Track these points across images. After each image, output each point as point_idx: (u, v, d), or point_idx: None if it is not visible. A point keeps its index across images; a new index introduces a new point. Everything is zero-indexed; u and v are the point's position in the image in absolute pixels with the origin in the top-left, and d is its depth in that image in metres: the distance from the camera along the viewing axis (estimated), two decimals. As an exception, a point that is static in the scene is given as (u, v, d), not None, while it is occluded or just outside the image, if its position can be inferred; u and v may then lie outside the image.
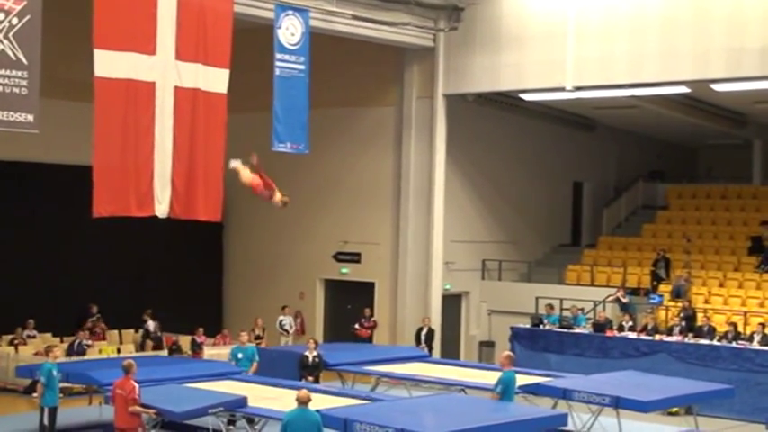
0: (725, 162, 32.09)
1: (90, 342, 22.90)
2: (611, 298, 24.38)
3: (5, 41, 16.07)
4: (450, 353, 25.52)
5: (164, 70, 18.31)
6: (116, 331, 24.73)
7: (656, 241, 27.77)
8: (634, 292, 25.26)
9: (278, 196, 16.99)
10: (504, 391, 15.25)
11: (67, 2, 19.35)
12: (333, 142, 26.02)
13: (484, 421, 13.93)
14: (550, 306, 24.32)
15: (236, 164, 16.85)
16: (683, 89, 23.19)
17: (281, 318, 25.80)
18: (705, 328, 22.04)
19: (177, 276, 26.99)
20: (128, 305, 24.89)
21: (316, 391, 15.67)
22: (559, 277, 26.81)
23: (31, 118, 16.39)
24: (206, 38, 18.91)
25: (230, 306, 28.89)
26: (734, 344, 21.23)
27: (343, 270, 26.75)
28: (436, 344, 24.34)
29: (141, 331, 24.60)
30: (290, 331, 25.93)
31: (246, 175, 16.83)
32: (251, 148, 24.34)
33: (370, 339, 25.12)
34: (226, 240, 28.95)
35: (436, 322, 24.72)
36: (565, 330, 23.49)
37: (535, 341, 23.66)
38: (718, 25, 21.03)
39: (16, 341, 22.79)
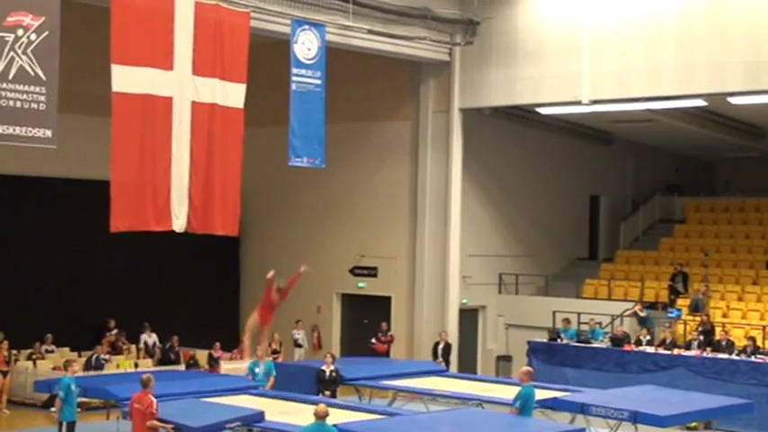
0: (742, 175, 31.95)
1: (108, 357, 22.95)
2: (628, 312, 24.29)
3: (24, 57, 16.18)
4: (468, 367, 25.46)
5: (181, 85, 18.40)
6: (134, 346, 24.76)
7: (674, 255, 27.66)
8: (652, 306, 25.15)
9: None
10: (523, 406, 15.22)
11: (85, 17, 19.47)
12: (349, 156, 26.05)
13: (502, 436, 13.92)
14: (567, 320, 24.22)
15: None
16: (700, 102, 23.16)
17: (295, 332, 25.88)
18: (724, 343, 21.92)
19: (194, 291, 27.02)
20: (145, 320, 24.91)
21: (333, 405, 15.64)
22: (577, 291, 26.72)
23: (49, 133, 16.48)
24: (223, 53, 19.01)
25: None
26: (753, 358, 21.09)
27: (360, 284, 26.74)
28: (453, 358, 24.29)
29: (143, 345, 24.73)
30: (304, 345, 25.98)
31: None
32: (268, 161, 24.67)
33: (387, 354, 25.09)
34: (243, 255, 28.97)
35: (453, 336, 24.68)
36: (582, 345, 23.40)
37: (553, 355, 23.57)
38: (734, 38, 21.00)
39: (34, 356, 22.83)
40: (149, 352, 24.43)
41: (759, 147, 28.63)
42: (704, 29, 21.42)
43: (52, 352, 23.38)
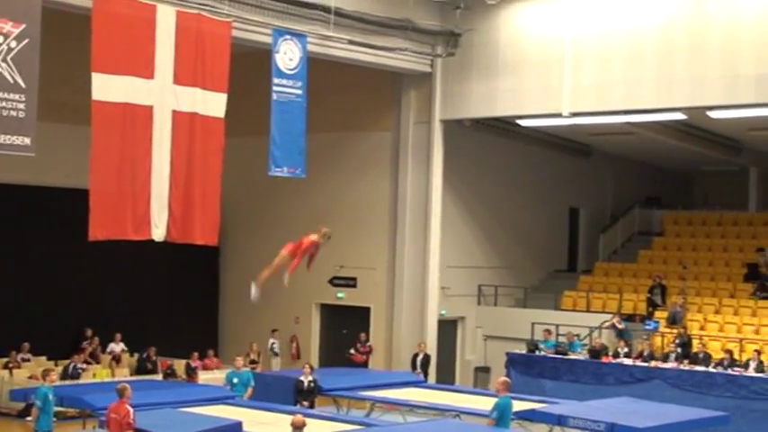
0: (721, 189, 32.13)
1: (85, 366, 22.85)
2: (606, 324, 24.35)
3: (3, 64, 16.15)
4: (446, 378, 25.46)
5: (161, 94, 18.38)
6: (109, 356, 24.65)
7: (652, 267, 27.76)
8: (630, 318, 25.21)
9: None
10: (500, 417, 15.22)
11: (66, 25, 19.42)
12: (330, 167, 26.05)
13: (479, 447, 13.92)
14: (548, 331, 24.28)
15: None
16: (680, 116, 23.27)
17: (272, 341, 25.89)
18: (701, 355, 22.02)
19: (173, 301, 26.93)
20: (123, 329, 24.82)
21: (311, 416, 15.63)
22: (555, 303, 26.77)
23: (27, 141, 16.44)
24: (204, 62, 19.01)
25: (226, 331, 28.82)
26: (729, 371, 21.21)
27: (339, 295, 26.72)
28: (432, 369, 24.29)
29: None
30: (279, 354, 26.00)
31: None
32: (248, 171, 24.63)
33: (365, 364, 25.08)
34: (222, 264, 28.90)
35: (432, 347, 24.68)
36: (560, 356, 23.45)
37: (530, 367, 23.60)
38: (714, 52, 21.13)
39: (11, 364, 22.72)
40: (115, 358, 24.28)
41: (737, 160, 28.80)
42: (684, 43, 21.54)
43: (28, 360, 23.26)
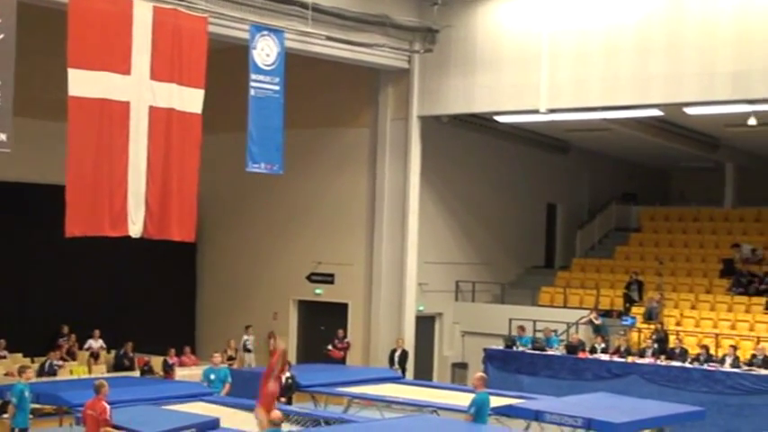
0: (697, 185, 32.32)
1: (61, 363, 22.74)
2: (584, 320, 24.45)
3: (-22, 60, 16.03)
4: (424, 374, 25.50)
5: (138, 90, 18.30)
6: (87, 352, 24.55)
7: (629, 263, 27.89)
8: (607, 314, 25.32)
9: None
10: (478, 412, 15.27)
11: (42, 21, 19.33)
12: (307, 163, 26.02)
13: (457, 443, 13.94)
14: (521, 328, 24.35)
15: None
16: (656, 112, 23.36)
17: (245, 337, 25.88)
18: (677, 351, 22.14)
19: (150, 297, 26.82)
20: (100, 326, 24.71)
21: (289, 412, 15.61)
22: (533, 299, 26.85)
23: (4, 137, 16.35)
24: (181, 58, 18.94)
25: (203, 327, 28.77)
26: (705, 366, 21.33)
27: (317, 291, 26.69)
28: (409, 365, 24.31)
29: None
30: (253, 351, 25.98)
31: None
32: (225, 167, 24.57)
33: (343, 360, 25.08)
34: (199, 261, 28.83)
35: (410, 343, 24.70)
36: (538, 352, 23.51)
37: (508, 363, 23.66)
38: (690, 49, 21.20)
39: (-14, 361, 22.63)
40: (93, 355, 24.20)
41: (713, 157, 28.93)
42: (661, 40, 21.60)
43: (4, 357, 23.13)
